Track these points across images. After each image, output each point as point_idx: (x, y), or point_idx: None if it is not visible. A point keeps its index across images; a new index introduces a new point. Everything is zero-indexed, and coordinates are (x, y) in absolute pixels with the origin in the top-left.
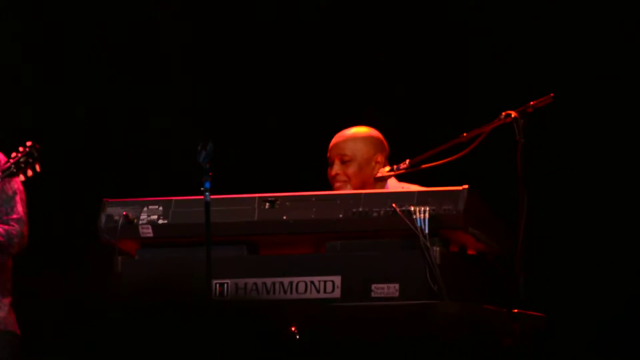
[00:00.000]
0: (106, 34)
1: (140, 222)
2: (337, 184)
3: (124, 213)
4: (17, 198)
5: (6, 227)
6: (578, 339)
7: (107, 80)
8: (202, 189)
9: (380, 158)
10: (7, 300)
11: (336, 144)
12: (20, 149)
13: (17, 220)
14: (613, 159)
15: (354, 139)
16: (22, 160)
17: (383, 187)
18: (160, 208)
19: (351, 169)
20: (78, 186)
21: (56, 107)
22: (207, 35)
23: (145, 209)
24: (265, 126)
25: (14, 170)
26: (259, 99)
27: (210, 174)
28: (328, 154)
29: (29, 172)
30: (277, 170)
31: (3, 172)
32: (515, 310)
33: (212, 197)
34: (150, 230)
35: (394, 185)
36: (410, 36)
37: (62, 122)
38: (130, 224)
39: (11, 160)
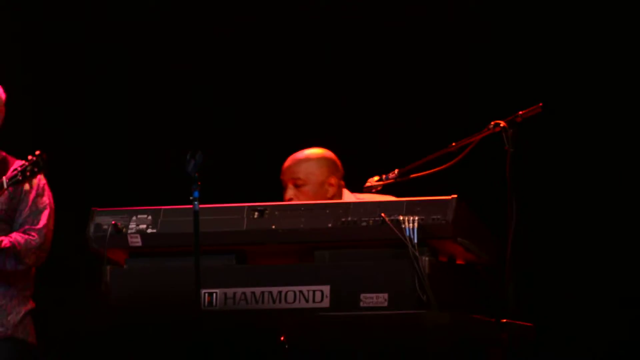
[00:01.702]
0: (98, 40)
1: (129, 231)
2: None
3: (113, 222)
4: (46, 213)
5: (26, 236)
6: (567, 349)
7: (95, 84)
8: (190, 198)
9: (333, 180)
10: (25, 308)
11: (288, 167)
12: (30, 157)
13: (39, 231)
14: (602, 168)
15: (307, 161)
16: (28, 168)
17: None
18: (149, 217)
19: (304, 194)
20: (65, 194)
21: (48, 112)
22: (201, 43)
23: (134, 218)
24: (255, 134)
25: (20, 178)
26: (252, 108)
27: (199, 183)
28: (281, 177)
29: (34, 181)
30: (266, 179)
31: (10, 179)
32: (504, 320)
33: (200, 206)
34: (139, 240)
35: (347, 197)
36: (399, 44)
37: (50, 129)
38: (119, 233)
39: (18, 168)
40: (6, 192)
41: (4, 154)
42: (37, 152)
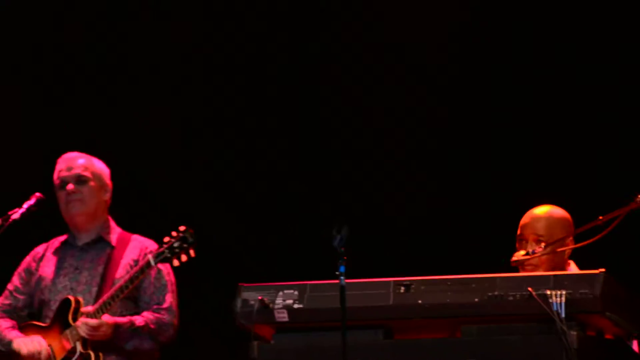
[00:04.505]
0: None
1: (276, 306)
2: (528, 268)
3: (260, 297)
4: (169, 288)
5: (157, 314)
6: None
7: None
8: (336, 273)
9: (570, 242)
10: None
11: (529, 223)
12: (174, 233)
13: (168, 310)
14: None
15: (550, 219)
16: (176, 245)
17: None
18: (296, 292)
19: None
20: (212, 269)
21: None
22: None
23: (280, 293)
24: (397, 211)
25: (168, 255)
26: (392, 185)
27: (345, 257)
28: (519, 232)
29: (183, 257)
30: (411, 253)
31: (156, 256)
32: None
33: (347, 281)
34: (285, 315)
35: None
36: (540, 112)
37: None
38: (266, 309)
39: (165, 245)
40: (132, 268)
41: (119, 229)
42: (182, 228)
